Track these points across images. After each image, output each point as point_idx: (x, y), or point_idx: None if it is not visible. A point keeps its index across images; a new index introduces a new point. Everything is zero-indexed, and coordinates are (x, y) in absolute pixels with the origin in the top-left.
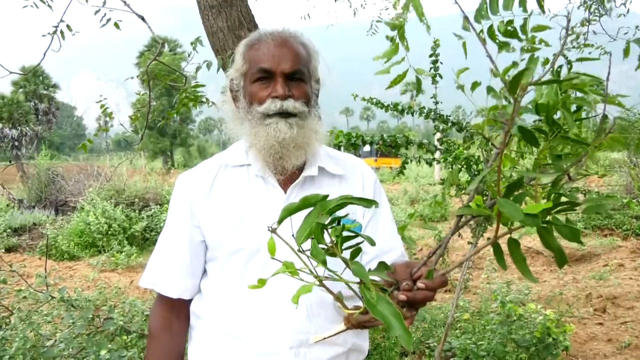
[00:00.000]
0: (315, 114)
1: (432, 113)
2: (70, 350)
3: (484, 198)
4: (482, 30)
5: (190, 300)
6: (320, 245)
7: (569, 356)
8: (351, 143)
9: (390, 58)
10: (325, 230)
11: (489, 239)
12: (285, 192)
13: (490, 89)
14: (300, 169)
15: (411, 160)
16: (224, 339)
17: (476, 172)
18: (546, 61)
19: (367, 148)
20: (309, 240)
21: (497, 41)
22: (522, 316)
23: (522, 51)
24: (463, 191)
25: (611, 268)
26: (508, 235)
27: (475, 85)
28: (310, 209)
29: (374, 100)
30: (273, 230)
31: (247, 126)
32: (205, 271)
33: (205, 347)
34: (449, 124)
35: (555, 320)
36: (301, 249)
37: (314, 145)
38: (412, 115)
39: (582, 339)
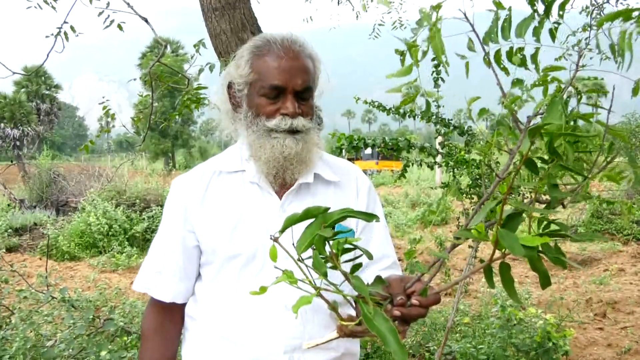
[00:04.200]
0: (316, 126)
1: (434, 117)
2: (71, 350)
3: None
4: (487, 53)
5: (183, 305)
6: (321, 256)
7: None
8: (353, 146)
9: (402, 76)
10: (326, 242)
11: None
12: (280, 199)
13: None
14: None
15: (412, 164)
16: (218, 342)
17: (477, 176)
18: (558, 89)
19: (368, 151)
20: (307, 249)
21: (502, 66)
22: (522, 320)
23: (532, 86)
24: (464, 195)
25: (612, 273)
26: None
27: (482, 112)
28: (310, 219)
29: (376, 103)
30: (275, 240)
31: (250, 136)
32: (199, 275)
33: (199, 350)
34: (450, 127)
35: (556, 324)
36: (301, 258)
37: (314, 158)
38: (414, 119)
39: (582, 344)
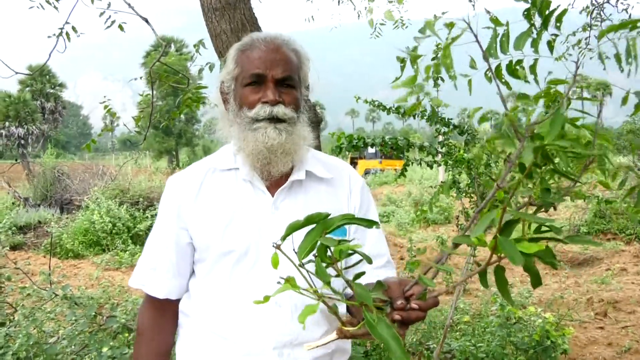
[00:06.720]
0: (303, 119)
1: (434, 116)
2: (73, 347)
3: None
4: (489, 68)
5: (177, 301)
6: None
7: (568, 359)
8: (353, 145)
9: (408, 86)
10: (327, 248)
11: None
12: (273, 196)
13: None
14: (288, 172)
15: (412, 163)
16: (211, 338)
17: (476, 175)
18: (549, 96)
19: (372, 150)
20: (308, 255)
21: (503, 80)
22: (521, 319)
23: (535, 99)
24: (463, 194)
25: (613, 272)
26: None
27: (483, 119)
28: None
29: (376, 103)
30: (278, 247)
31: (236, 130)
32: (193, 272)
33: (192, 345)
34: (451, 126)
35: (555, 323)
36: (302, 264)
37: (301, 151)
38: (414, 118)
39: (582, 343)
